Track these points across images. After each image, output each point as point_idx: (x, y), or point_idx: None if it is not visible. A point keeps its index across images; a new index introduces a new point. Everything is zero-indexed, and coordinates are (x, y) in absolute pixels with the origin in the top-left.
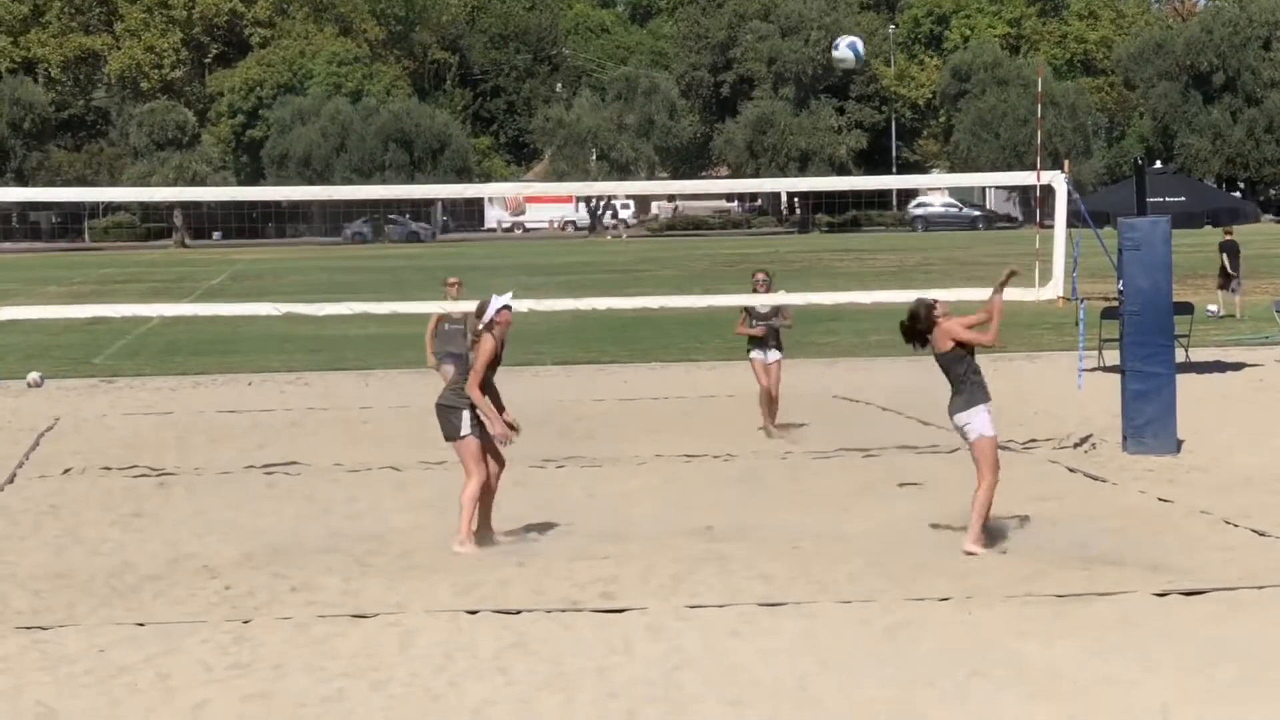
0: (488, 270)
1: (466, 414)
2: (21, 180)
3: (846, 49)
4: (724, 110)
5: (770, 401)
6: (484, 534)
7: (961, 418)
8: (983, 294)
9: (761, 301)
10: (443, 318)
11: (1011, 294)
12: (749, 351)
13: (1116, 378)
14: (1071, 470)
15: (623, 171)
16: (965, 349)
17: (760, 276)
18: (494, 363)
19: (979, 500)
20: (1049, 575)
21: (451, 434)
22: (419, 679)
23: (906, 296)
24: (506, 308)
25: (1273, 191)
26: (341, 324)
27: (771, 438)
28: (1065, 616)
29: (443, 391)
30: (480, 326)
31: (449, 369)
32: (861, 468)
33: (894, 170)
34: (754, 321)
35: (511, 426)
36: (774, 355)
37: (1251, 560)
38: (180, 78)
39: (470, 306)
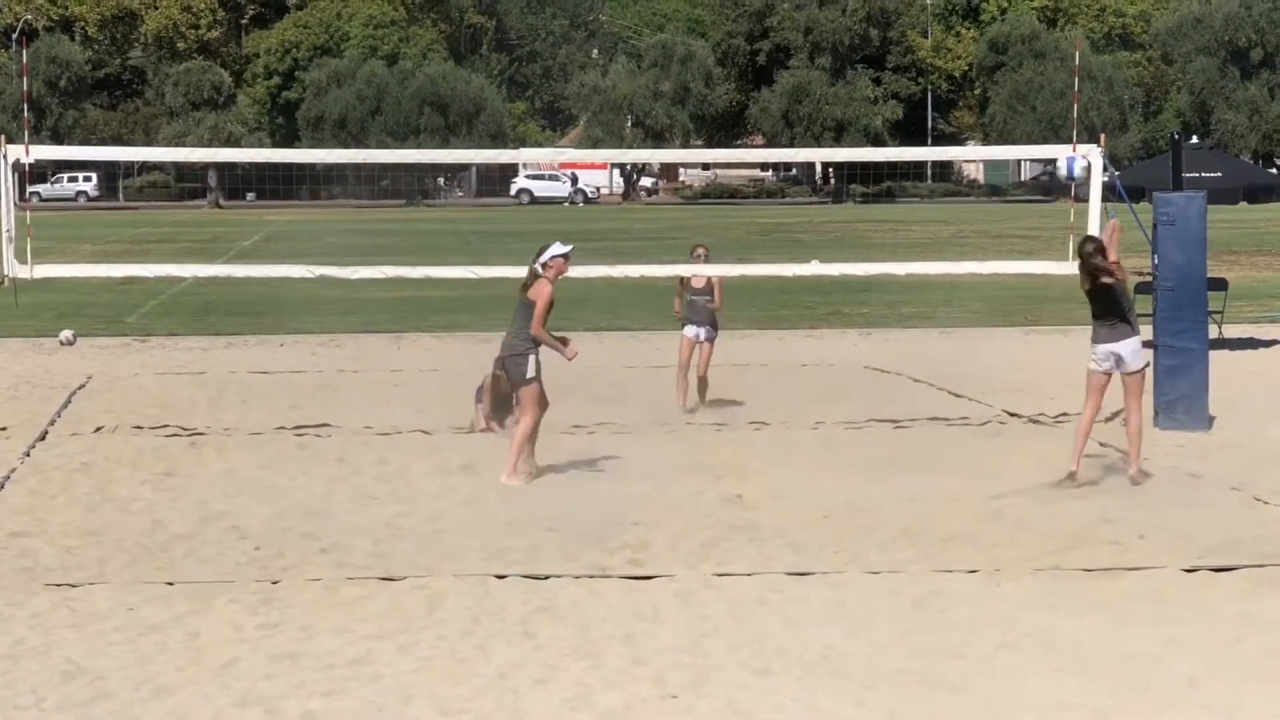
0: (516, 236)
1: (532, 359)
2: (57, 138)
3: (1064, 164)
4: (760, 79)
5: (699, 381)
6: (531, 465)
7: (1133, 344)
8: (1016, 266)
9: (695, 273)
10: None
11: (1044, 267)
12: (683, 325)
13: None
14: (1103, 444)
15: (657, 139)
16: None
17: (700, 251)
18: (550, 305)
19: (1134, 426)
20: (1077, 549)
21: (520, 379)
22: (446, 642)
23: (940, 269)
24: (564, 255)
25: None
26: (374, 287)
27: (689, 410)
28: (1094, 590)
29: (505, 341)
30: (539, 269)
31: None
32: (892, 439)
33: (929, 142)
34: (688, 298)
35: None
36: (706, 333)
37: None
38: (217, 38)
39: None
